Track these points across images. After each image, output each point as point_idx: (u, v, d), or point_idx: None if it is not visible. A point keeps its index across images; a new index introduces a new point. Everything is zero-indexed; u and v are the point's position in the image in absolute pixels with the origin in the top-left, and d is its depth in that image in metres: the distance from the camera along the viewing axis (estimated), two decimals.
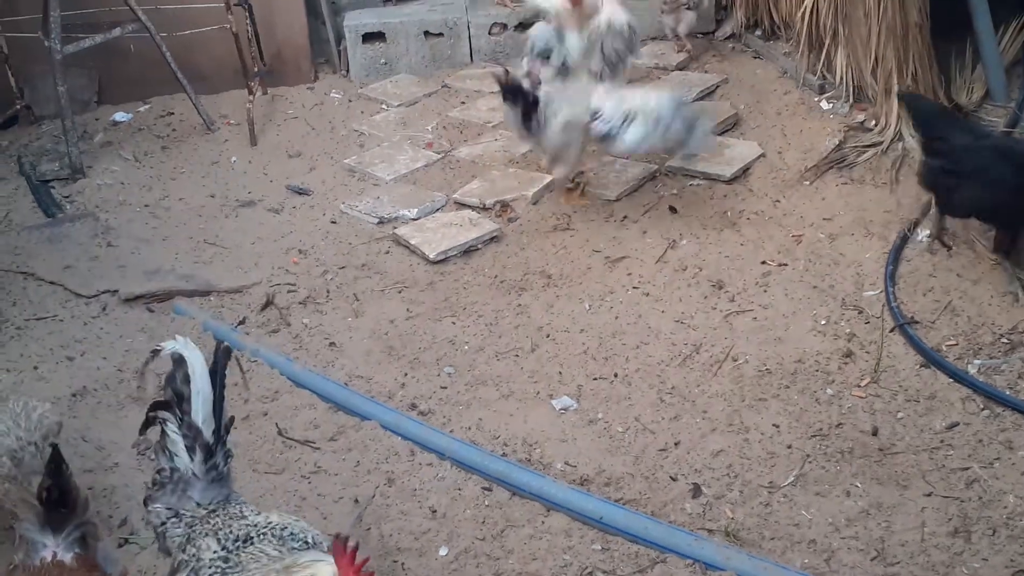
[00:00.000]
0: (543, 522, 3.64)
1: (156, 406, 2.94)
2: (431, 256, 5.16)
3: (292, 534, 2.67)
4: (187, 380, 2.89)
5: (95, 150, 6.58)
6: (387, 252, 5.33)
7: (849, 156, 5.56)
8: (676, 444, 3.91)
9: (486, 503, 3.74)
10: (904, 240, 4.89)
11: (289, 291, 5.06)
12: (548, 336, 4.61)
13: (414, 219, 5.54)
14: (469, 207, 5.61)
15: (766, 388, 4.14)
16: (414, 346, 4.62)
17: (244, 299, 5.03)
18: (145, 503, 2.96)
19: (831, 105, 6.07)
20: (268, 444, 4.11)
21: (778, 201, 5.37)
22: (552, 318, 4.72)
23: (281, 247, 5.45)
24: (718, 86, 6.60)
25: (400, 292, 5.01)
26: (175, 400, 2.91)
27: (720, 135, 6.00)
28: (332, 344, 4.67)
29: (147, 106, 7.13)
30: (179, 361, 2.91)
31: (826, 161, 5.56)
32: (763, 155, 5.77)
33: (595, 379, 4.31)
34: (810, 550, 3.40)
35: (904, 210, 5.10)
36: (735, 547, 3.41)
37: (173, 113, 7.00)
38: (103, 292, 5.10)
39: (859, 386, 4.10)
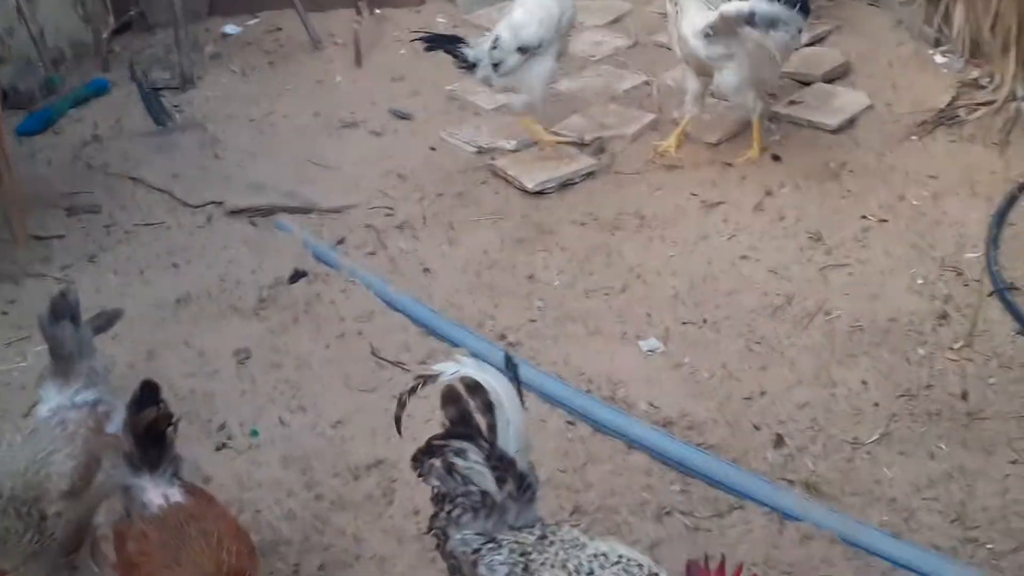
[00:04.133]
0: (624, 459, 3.70)
1: (451, 435, 2.62)
2: (529, 187, 5.19)
3: (639, 565, 2.43)
4: (489, 408, 2.60)
5: (204, 61, 6.72)
6: (484, 182, 5.38)
7: (960, 113, 5.43)
8: (761, 394, 3.93)
9: (569, 436, 3.82)
10: (1010, 203, 4.78)
11: (387, 215, 5.15)
12: (639, 277, 4.64)
13: (512, 151, 5.56)
14: (567, 141, 5.62)
15: (857, 344, 4.12)
16: (506, 277, 4.69)
17: (343, 219, 5.14)
18: (443, 532, 2.66)
19: (945, 59, 5.93)
20: (361, 363, 4.24)
21: (883, 155, 5.28)
22: (644, 259, 4.74)
23: (381, 170, 5.53)
24: (830, 32, 6.46)
25: (494, 223, 5.07)
26: (474, 428, 2.61)
27: (828, 83, 5.91)
28: (426, 270, 4.76)
29: (256, 20, 7.26)
30: (474, 387, 2.60)
31: (936, 117, 5.44)
32: (871, 106, 5.66)
33: (684, 323, 4.34)
34: (890, 508, 3.41)
35: (1013, 172, 4.99)
36: (814, 499, 3.44)
37: (281, 29, 7.11)
38: (209, 203, 5.27)
39: (952, 349, 4.06)
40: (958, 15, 5.86)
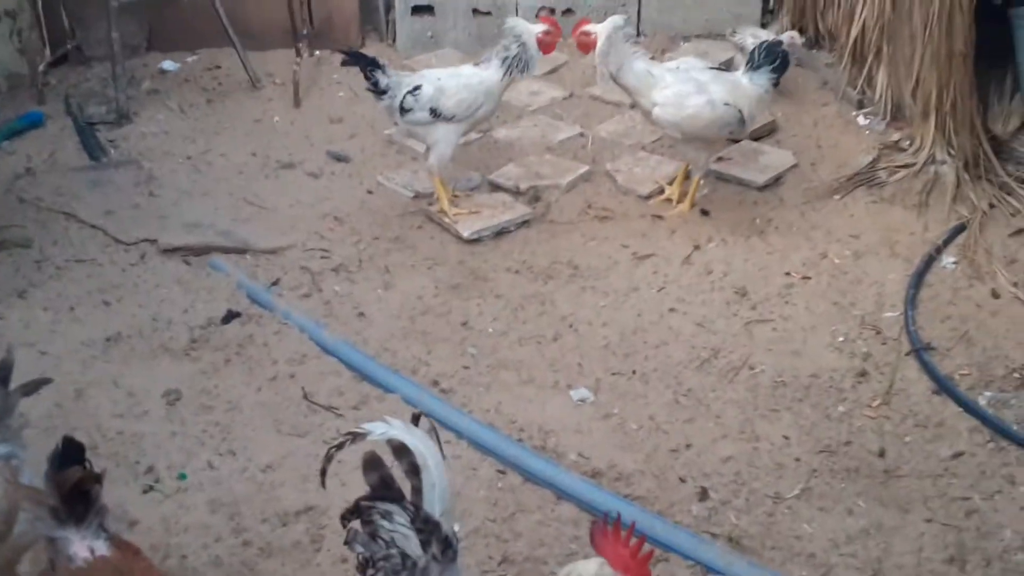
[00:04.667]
0: (553, 510, 3.75)
1: (378, 497, 2.61)
2: (465, 235, 5.25)
3: None
4: (415, 471, 2.61)
5: (141, 97, 6.69)
6: (419, 227, 5.43)
7: (881, 175, 5.64)
8: (687, 446, 4.03)
9: (499, 486, 3.87)
10: (928, 264, 4.98)
11: (323, 257, 5.17)
12: (571, 327, 4.72)
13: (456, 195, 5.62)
14: (504, 189, 5.71)
15: (780, 399, 4.25)
16: (440, 324, 4.74)
17: (278, 260, 5.15)
18: None
19: (868, 121, 6.15)
20: (293, 407, 4.24)
21: (807, 213, 5.46)
22: (576, 309, 4.83)
23: (318, 212, 5.55)
24: None
25: (430, 268, 5.12)
26: (395, 492, 2.61)
27: (756, 141, 6.08)
28: (361, 314, 4.79)
29: (195, 57, 7.23)
30: (401, 450, 2.61)
31: (858, 177, 5.65)
32: (796, 165, 5.85)
33: (614, 374, 4.42)
34: (809, 563, 3.51)
35: (930, 234, 5.20)
36: (736, 553, 3.53)
37: (220, 67, 7.10)
38: (142, 240, 5.23)
39: (870, 406, 4.20)
40: (881, 79, 6.08)
